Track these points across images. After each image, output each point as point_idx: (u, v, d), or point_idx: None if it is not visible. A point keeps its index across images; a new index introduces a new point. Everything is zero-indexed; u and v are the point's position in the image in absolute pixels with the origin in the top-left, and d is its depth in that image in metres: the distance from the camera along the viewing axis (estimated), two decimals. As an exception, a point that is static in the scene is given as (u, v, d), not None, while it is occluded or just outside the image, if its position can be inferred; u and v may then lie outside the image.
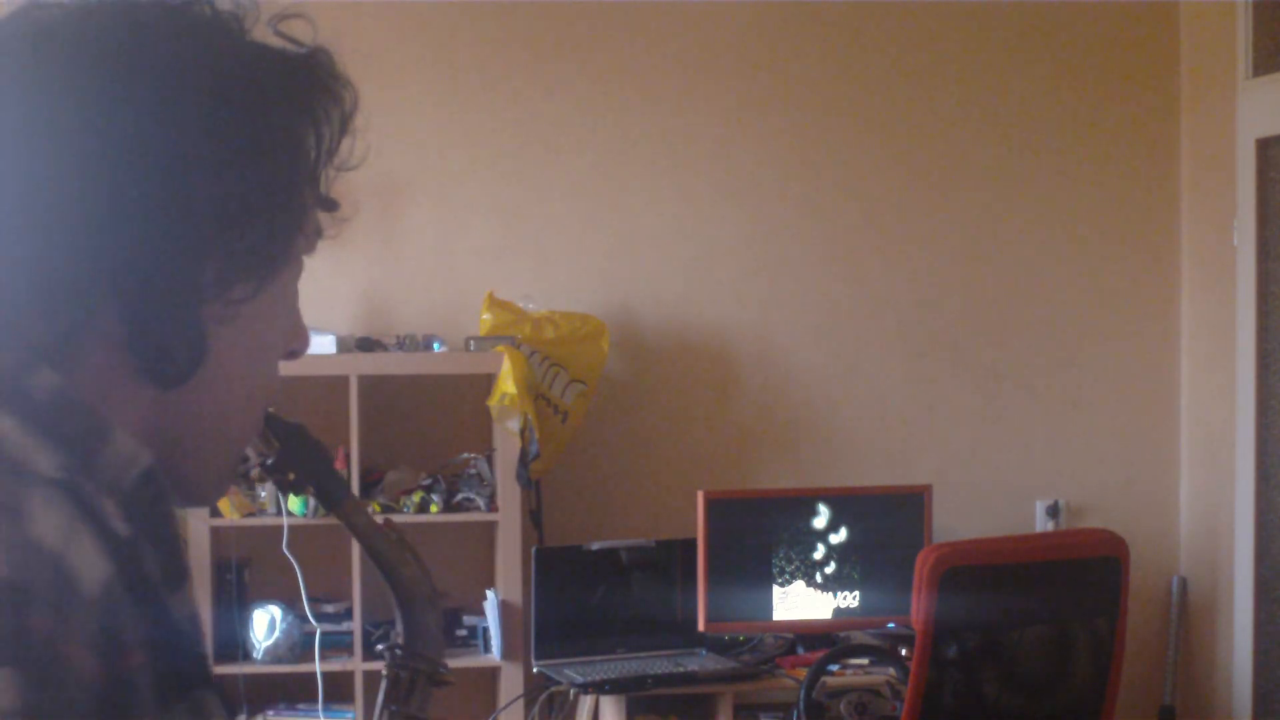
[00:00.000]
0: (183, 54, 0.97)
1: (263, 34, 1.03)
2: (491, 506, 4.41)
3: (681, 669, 4.30)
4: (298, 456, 1.20)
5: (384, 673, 1.32)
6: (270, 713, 4.37)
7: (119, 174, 0.93)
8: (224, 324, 0.99)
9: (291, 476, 1.20)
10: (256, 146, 0.97)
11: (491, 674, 4.51)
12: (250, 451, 1.17)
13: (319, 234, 1.06)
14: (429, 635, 1.30)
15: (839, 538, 4.38)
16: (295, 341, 1.07)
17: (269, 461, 1.20)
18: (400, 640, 1.30)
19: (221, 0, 1.02)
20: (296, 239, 1.02)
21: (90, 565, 0.86)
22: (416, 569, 1.28)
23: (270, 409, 1.13)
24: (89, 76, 0.94)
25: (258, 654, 4.31)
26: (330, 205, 1.05)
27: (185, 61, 0.96)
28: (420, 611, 1.29)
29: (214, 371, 0.99)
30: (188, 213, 0.95)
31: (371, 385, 4.46)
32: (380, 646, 1.31)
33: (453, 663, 4.64)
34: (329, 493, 1.23)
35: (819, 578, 4.37)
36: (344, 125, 1.05)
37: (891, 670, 4.13)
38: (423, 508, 4.39)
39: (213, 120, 0.96)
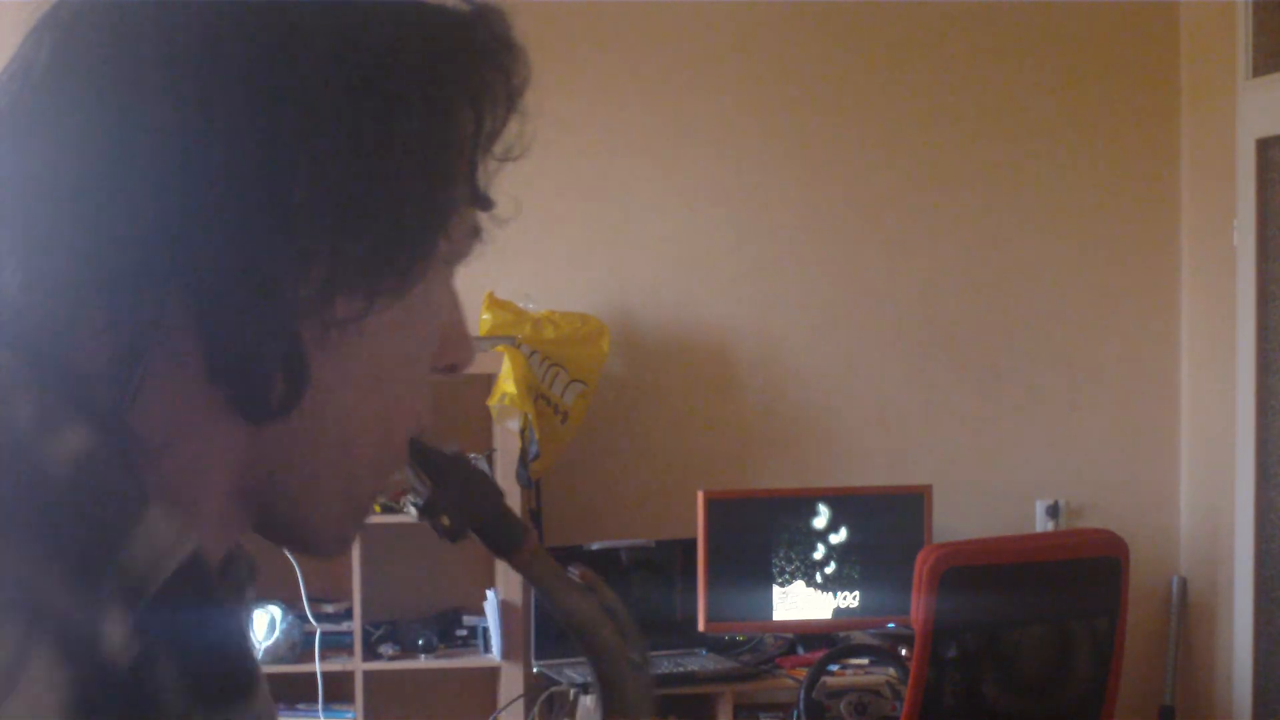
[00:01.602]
0: (296, 19, 0.78)
1: None
2: (491, 506, 4.41)
3: (681, 669, 4.30)
4: (454, 496, 0.93)
5: None
6: (270, 713, 4.37)
7: (198, 157, 0.75)
8: (337, 343, 0.79)
9: (446, 521, 0.93)
10: (383, 132, 0.78)
11: (491, 674, 4.51)
12: (410, 489, 0.93)
13: (475, 236, 0.87)
14: (627, 710, 1.03)
15: (839, 538, 4.38)
16: (453, 354, 0.87)
17: (419, 502, 0.94)
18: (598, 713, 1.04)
19: None
20: (437, 244, 0.82)
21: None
22: (615, 632, 1.03)
23: (418, 436, 0.89)
24: (169, 41, 0.76)
25: (258, 654, 4.30)
26: (486, 203, 0.86)
27: (296, 28, 0.77)
28: (618, 682, 1.03)
29: (326, 398, 0.80)
30: (285, 209, 0.76)
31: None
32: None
33: (452, 663, 4.64)
34: (497, 539, 0.96)
35: (819, 578, 4.37)
36: (510, 104, 0.87)
37: (891, 670, 4.13)
38: (423, 508, 4.38)
39: (325, 98, 0.77)
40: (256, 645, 4.21)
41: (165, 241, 0.75)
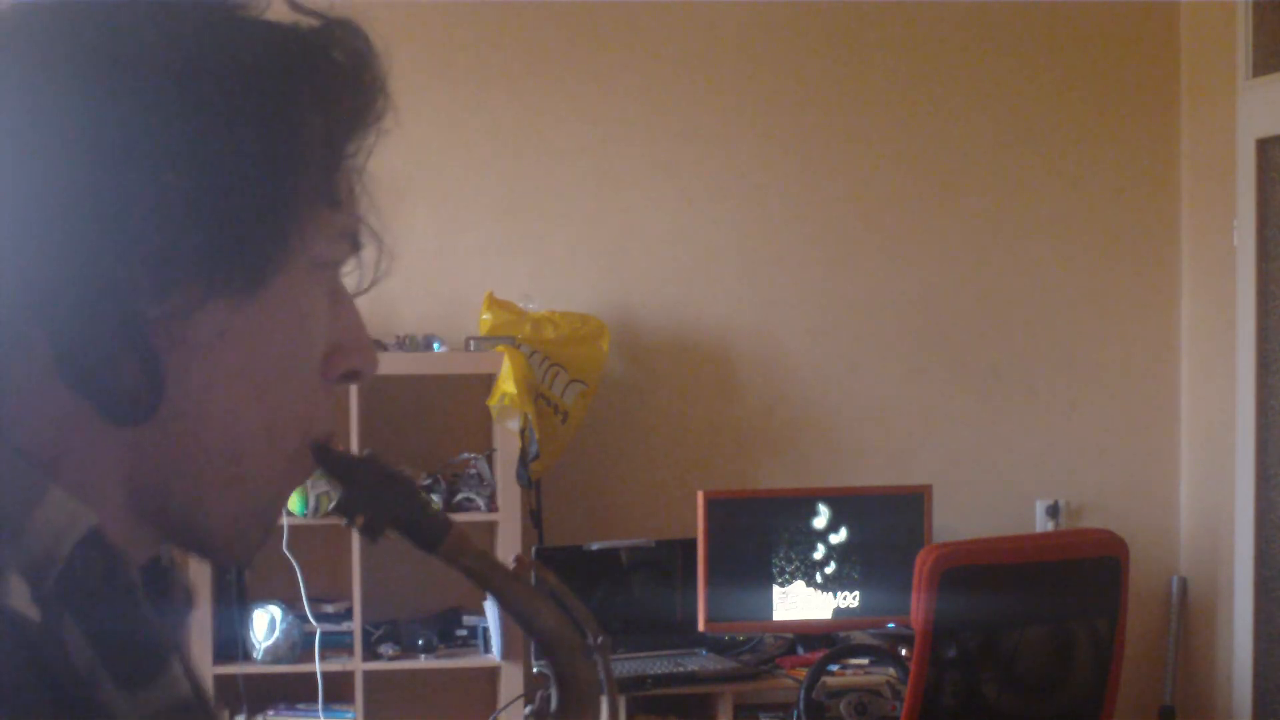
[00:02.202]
0: (136, 29, 0.82)
1: (277, 12, 0.89)
2: (491, 506, 4.41)
3: (681, 669, 4.30)
4: (368, 495, 0.96)
5: None
6: (270, 713, 4.37)
7: (33, 172, 0.79)
8: (199, 348, 0.83)
9: (361, 520, 0.96)
10: (214, 139, 0.81)
11: (491, 674, 4.51)
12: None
13: (347, 238, 0.90)
14: (582, 699, 1.02)
15: (839, 538, 4.38)
16: (347, 361, 0.90)
17: (334, 505, 0.98)
18: (552, 704, 1.04)
19: None
20: (281, 245, 0.84)
21: None
22: (557, 615, 1.02)
23: (323, 441, 0.92)
24: (24, 56, 0.81)
25: (258, 654, 4.31)
26: (335, 203, 0.87)
27: (134, 39, 0.81)
28: (566, 667, 1.02)
29: (200, 403, 0.83)
30: (115, 211, 0.79)
31: (371, 385, 4.46)
32: (527, 711, 1.02)
33: (452, 663, 4.64)
34: (417, 535, 0.98)
35: (819, 578, 4.37)
36: (361, 114, 0.89)
37: (891, 670, 4.13)
38: (423, 508, 4.38)
39: (156, 104, 0.80)
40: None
41: (13, 255, 0.79)
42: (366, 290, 0.95)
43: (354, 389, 4.30)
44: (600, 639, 1.05)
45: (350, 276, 0.94)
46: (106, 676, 0.77)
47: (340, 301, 0.91)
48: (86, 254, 0.79)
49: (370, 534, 0.97)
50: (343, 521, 0.96)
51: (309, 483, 4.31)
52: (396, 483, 0.97)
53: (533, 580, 1.02)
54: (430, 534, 0.98)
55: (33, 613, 0.74)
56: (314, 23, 0.89)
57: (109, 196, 0.79)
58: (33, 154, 0.79)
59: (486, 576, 1.00)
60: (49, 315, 0.80)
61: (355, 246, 0.91)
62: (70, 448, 0.82)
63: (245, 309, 0.83)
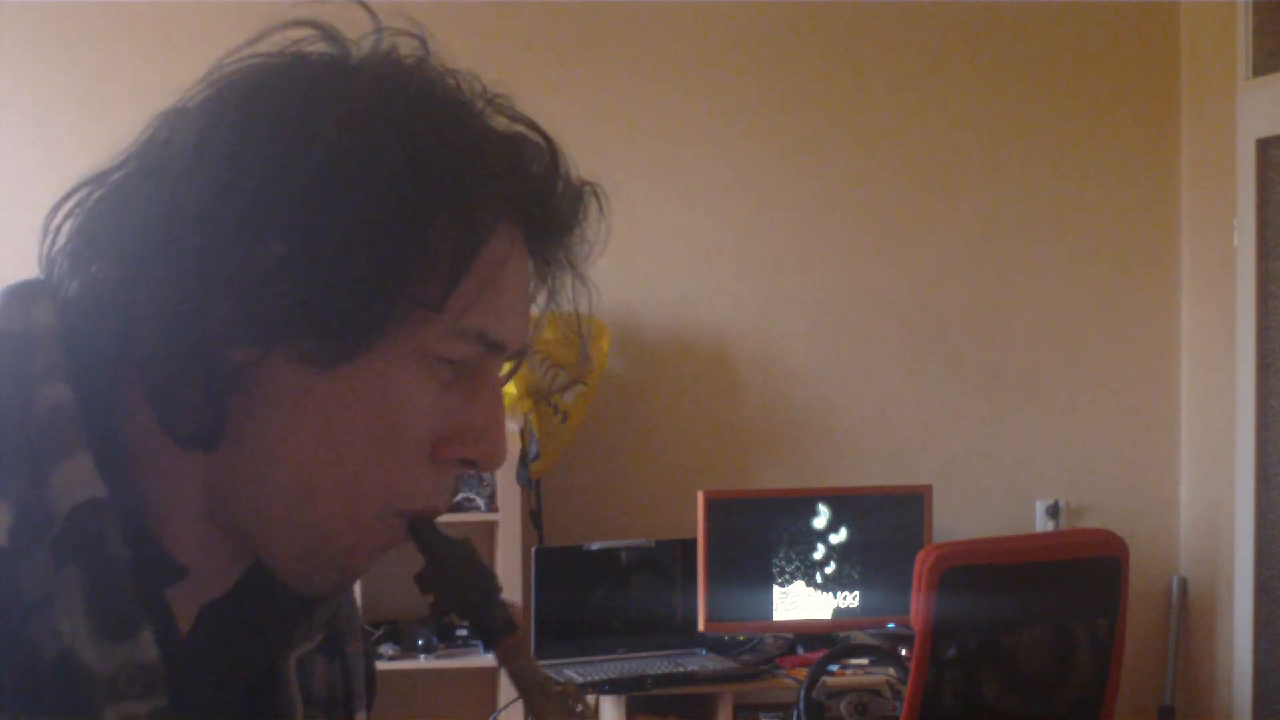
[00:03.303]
0: (309, 101, 0.91)
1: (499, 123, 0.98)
2: (491, 506, 4.41)
3: (681, 669, 4.30)
4: (447, 578, 1.00)
5: None
6: (270, 713, 4.37)
7: (162, 233, 0.90)
8: (282, 398, 0.92)
9: (431, 600, 1.00)
10: (336, 217, 0.89)
11: (491, 674, 4.51)
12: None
13: (472, 339, 0.95)
14: None
15: (839, 538, 4.38)
16: (467, 449, 0.97)
17: (415, 578, 1.02)
18: None
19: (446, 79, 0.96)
20: (380, 331, 0.91)
21: None
22: None
23: (424, 517, 0.98)
24: (209, 112, 0.92)
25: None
26: (438, 307, 0.92)
27: (304, 109, 0.91)
28: None
29: (275, 443, 0.92)
30: (218, 261, 0.89)
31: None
32: None
33: (452, 663, 4.63)
34: (481, 626, 1.01)
35: (819, 578, 4.37)
36: (511, 225, 0.96)
37: (891, 670, 4.13)
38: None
39: (294, 176, 0.89)
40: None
41: (131, 286, 0.91)
42: (563, 389, 1.03)
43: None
44: None
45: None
46: (85, 624, 0.87)
47: (471, 393, 0.96)
48: (187, 293, 0.89)
49: (436, 613, 1.01)
50: (421, 591, 1.01)
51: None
52: (479, 574, 1.01)
53: (575, 708, 1.01)
54: (493, 632, 1.00)
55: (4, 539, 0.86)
56: (498, 126, 0.97)
57: (217, 247, 0.89)
58: (189, 203, 0.89)
59: (531, 689, 1.00)
60: (139, 339, 0.91)
61: (493, 348, 0.96)
62: (152, 448, 0.93)
63: (332, 377, 0.91)
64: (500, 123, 0.99)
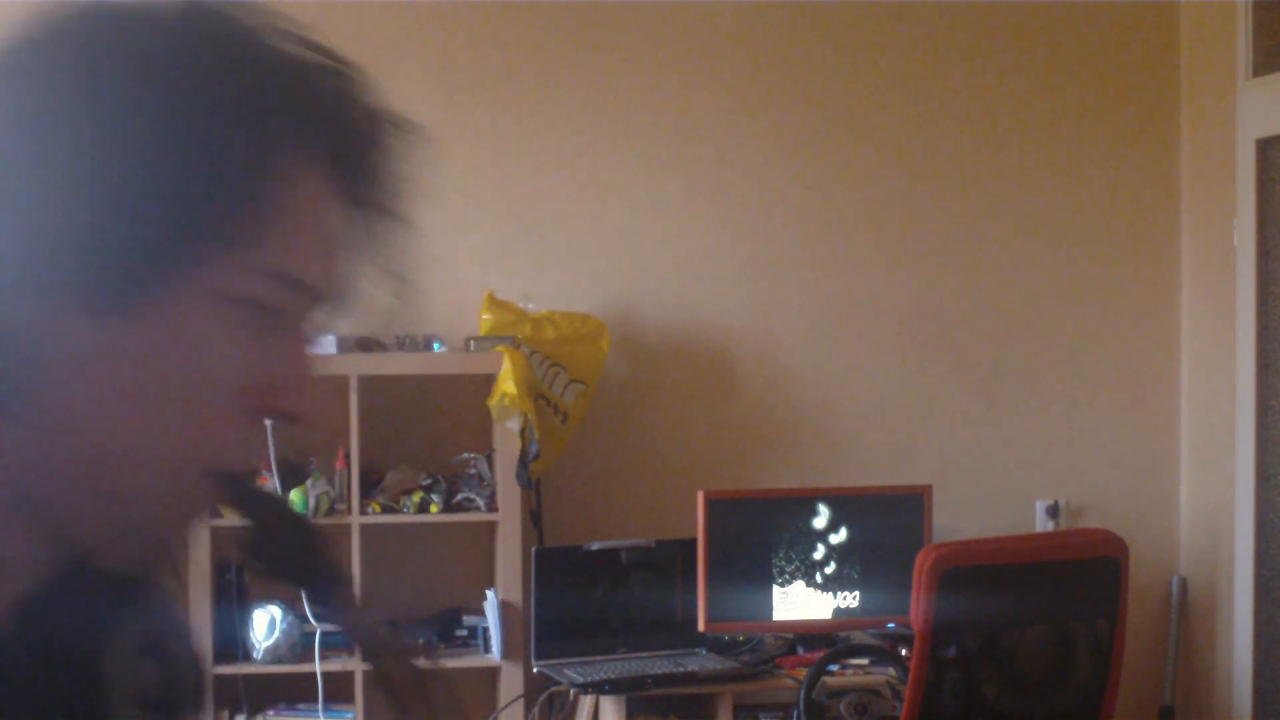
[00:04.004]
0: (80, 41, 0.85)
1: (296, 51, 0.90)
2: (491, 506, 4.41)
3: (681, 669, 4.30)
4: (273, 541, 0.94)
5: None
6: (270, 713, 4.37)
7: None
8: (74, 355, 0.85)
9: (260, 566, 0.95)
10: (110, 155, 0.83)
11: (491, 674, 4.51)
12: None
13: (277, 280, 0.88)
14: None
15: (839, 538, 4.38)
16: (280, 400, 0.90)
17: (234, 543, 0.99)
18: None
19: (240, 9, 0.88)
20: (172, 273, 0.84)
21: None
22: (431, 708, 0.99)
23: (238, 477, 0.91)
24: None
25: (258, 654, 4.31)
26: (239, 242, 0.86)
27: (74, 49, 0.85)
28: None
29: (71, 409, 0.85)
30: (8, 235, 0.83)
31: (371, 385, 4.46)
32: None
33: (453, 663, 4.65)
34: (311, 588, 0.96)
35: (819, 578, 4.37)
36: (310, 157, 0.88)
37: (891, 670, 4.13)
38: (423, 508, 4.39)
39: (62, 113, 0.83)
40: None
41: None
42: (376, 338, 0.97)
43: (354, 389, 4.30)
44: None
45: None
46: None
47: (279, 341, 0.89)
48: None
49: (265, 577, 0.96)
50: (242, 555, 0.94)
51: (309, 483, 4.31)
52: (300, 532, 0.95)
53: (417, 661, 0.99)
54: (323, 589, 0.96)
55: None
56: (294, 55, 0.89)
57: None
58: None
59: (370, 645, 0.98)
60: None
61: (301, 291, 0.89)
62: None
63: (119, 325, 0.84)
64: (300, 55, 0.90)
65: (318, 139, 0.89)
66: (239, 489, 0.92)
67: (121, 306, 0.84)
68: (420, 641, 0.97)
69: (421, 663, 0.98)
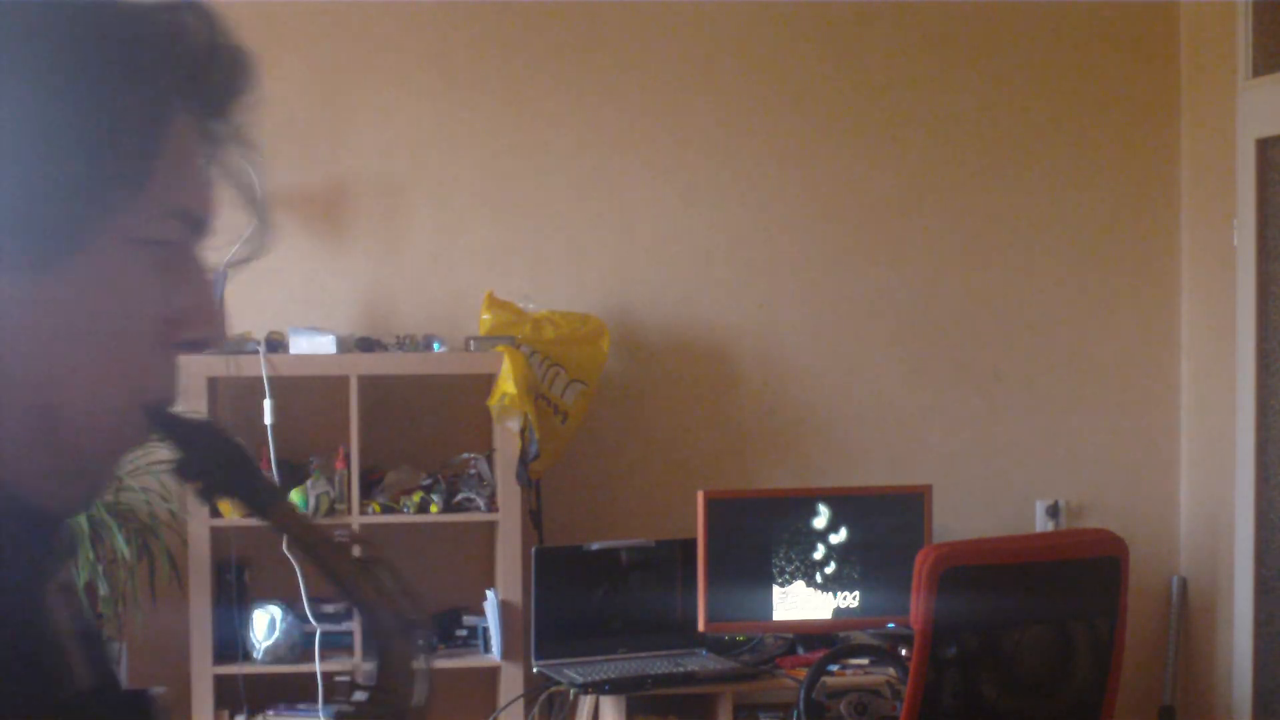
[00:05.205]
0: None
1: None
2: (491, 506, 4.41)
3: (681, 669, 4.30)
4: (202, 459, 1.01)
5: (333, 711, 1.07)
6: (270, 713, 4.37)
7: None
8: (6, 303, 0.91)
9: (197, 485, 1.02)
10: (11, 117, 0.89)
11: (491, 674, 4.51)
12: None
13: (178, 217, 0.95)
14: (396, 672, 1.04)
15: (839, 538, 4.38)
16: (192, 329, 0.97)
17: (171, 468, 1.03)
18: (365, 678, 1.05)
19: None
20: (85, 222, 0.91)
21: None
22: (378, 589, 1.03)
23: (162, 406, 0.98)
24: None
25: (258, 654, 4.31)
26: (143, 185, 0.93)
27: None
28: (383, 639, 1.04)
29: (2, 363, 0.91)
30: None
31: (371, 385, 4.47)
32: (340, 678, 1.03)
33: (452, 663, 4.64)
34: (248, 498, 1.02)
35: (819, 578, 4.37)
36: (188, 97, 0.95)
37: (891, 670, 4.13)
38: (423, 508, 4.39)
39: None
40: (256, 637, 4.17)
41: None
42: (247, 260, 1.05)
43: (354, 389, 4.30)
44: (417, 614, 1.06)
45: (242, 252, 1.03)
46: None
47: (184, 275, 0.97)
48: None
49: (204, 498, 1.02)
50: (177, 482, 0.99)
51: (309, 483, 4.32)
52: (230, 448, 1.02)
53: (360, 553, 1.04)
54: (262, 499, 1.03)
55: None
56: (146, 3, 0.94)
57: None
58: None
59: (313, 545, 1.03)
60: None
61: (195, 226, 0.97)
62: None
63: (51, 280, 0.91)
64: (158, 7, 0.96)
65: (186, 85, 0.95)
66: (167, 418, 0.99)
67: (49, 260, 0.90)
68: (356, 534, 1.05)
69: (360, 552, 1.04)
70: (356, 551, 1.04)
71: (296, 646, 4.33)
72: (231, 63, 0.98)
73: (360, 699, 1.04)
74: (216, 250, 1.02)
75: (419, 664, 1.05)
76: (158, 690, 1.02)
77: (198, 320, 0.97)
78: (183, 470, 1.01)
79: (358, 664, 1.06)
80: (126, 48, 0.92)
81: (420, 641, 1.06)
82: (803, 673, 4.08)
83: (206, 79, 0.97)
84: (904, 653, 4.04)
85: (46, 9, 0.91)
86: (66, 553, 1.04)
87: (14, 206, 0.89)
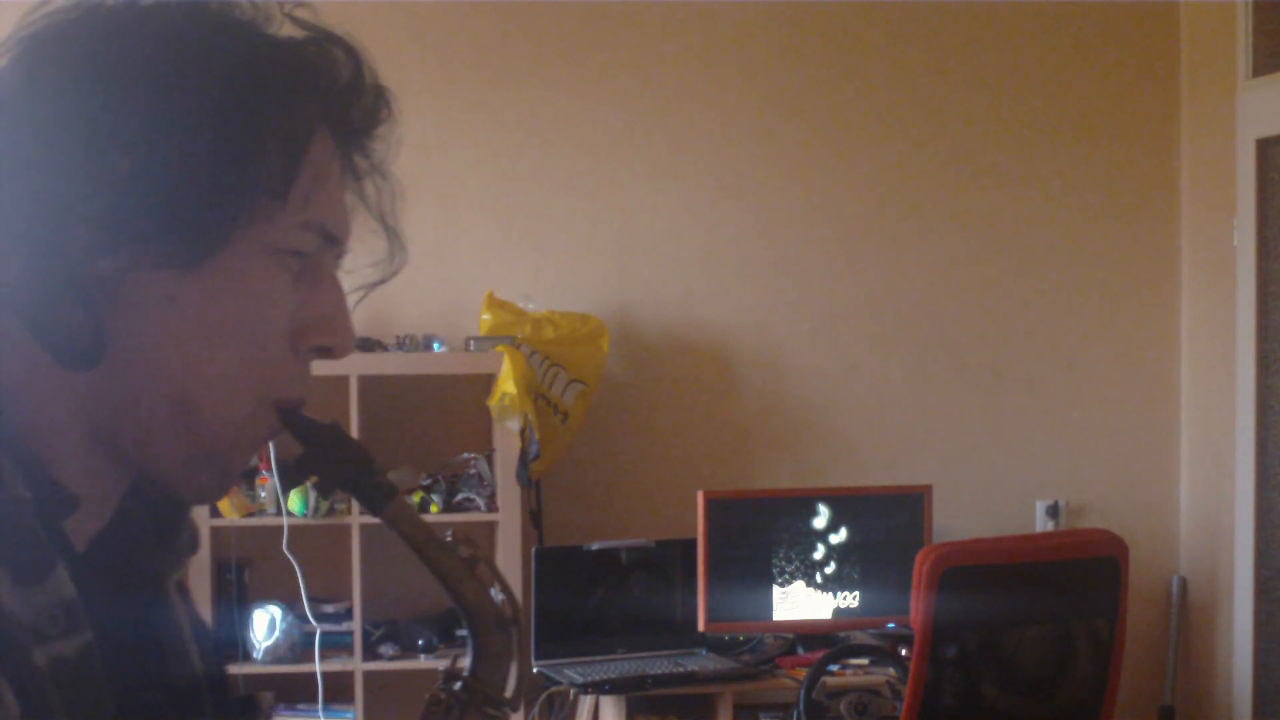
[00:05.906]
0: (127, 35, 0.96)
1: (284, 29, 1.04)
2: (491, 506, 4.41)
3: (681, 669, 4.30)
4: (324, 456, 1.08)
5: (427, 695, 1.17)
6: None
7: (25, 155, 0.94)
8: (151, 309, 0.96)
9: (314, 480, 1.10)
10: (171, 128, 0.95)
11: (491, 674, 4.51)
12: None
13: (313, 231, 1.02)
14: (491, 665, 1.15)
15: (839, 538, 4.38)
16: (321, 336, 1.03)
17: (294, 463, 1.10)
18: (464, 665, 1.16)
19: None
20: (231, 229, 0.97)
21: None
22: (482, 589, 1.14)
23: (292, 406, 1.05)
24: (27, 64, 0.97)
25: (258, 654, 4.31)
26: (284, 198, 0.99)
27: (123, 44, 0.96)
28: (483, 636, 1.14)
29: (151, 356, 0.97)
30: (71, 186, 0.94)
31: (371, 385, 4.46)
32: (442, 667, 1.17)
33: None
34: (368, 497, 1.10)
35: (819, 578, 4.37)
36: (327, 120, 1.02)
37: (891, 670, 4.13)
38: (423, 508, 4.39)
39: (125, 100, 0.94)
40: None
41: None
42: (381, 282, 1.13)
43: (354, 389, 4.30)
44: (516, 615, 1.15)
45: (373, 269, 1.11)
46: (6, 574, 0.89)
47: (317, 285, 1.03)
48: (43, 218, 0.94)
49: (323, 491, 1.10)
50: (299, 478, 1.07)
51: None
52: (352, 448, 1.09)
53: (464, 552, 1.13)
54: (377, 497, 1.10)
55: None
56: (302, 36, 1.03)
57: (67, 174, 0.93)
58: (26, 143, 0.94)
59: (422, 544, 1.12)
60: (6, 267, 0.94)
61: (329, 240, 1.03)
62: (33, 387, 0.96)
63: (193, 280, 0.96)
64: (306, 37, 1.04)
65: (330, 112, 1.03)
66: (297, 416, 1.05)
67: (193, 261, 0.96)
68: (464, 536, 1.14)
69: (463, 551, 1.13)
70: (463, 552, 1.13)
71: (296, 646, 4.33)
72: (374, 97, 1.05)
73: (457, 688, 1.14)
74: (350, 273, 1.09)
75: (513, 659, 1.15)
76: (265, 694, 1.15)
77: (327, 329, 1.03)
78: (307, 465, 1.07)
79: (456, 655, 1.16)
80: (281, 74, 0.99)
81: (515, 639, 1.15)
82: (803, 673, 4.08)
83: (348, 109, 1.04)
84: (904, 653, 4.04)
85: (216, 35, 0.98)
86: (188, 549, 1.12)
87: (166, 208, 0.94)
